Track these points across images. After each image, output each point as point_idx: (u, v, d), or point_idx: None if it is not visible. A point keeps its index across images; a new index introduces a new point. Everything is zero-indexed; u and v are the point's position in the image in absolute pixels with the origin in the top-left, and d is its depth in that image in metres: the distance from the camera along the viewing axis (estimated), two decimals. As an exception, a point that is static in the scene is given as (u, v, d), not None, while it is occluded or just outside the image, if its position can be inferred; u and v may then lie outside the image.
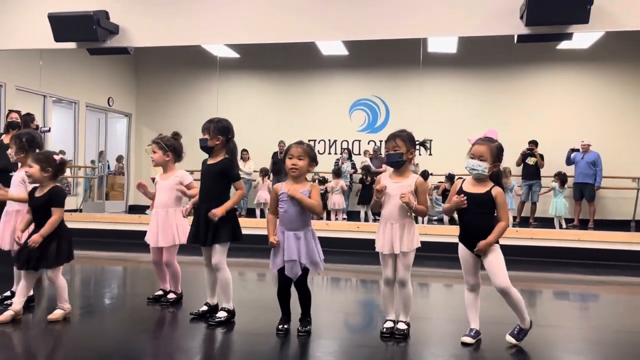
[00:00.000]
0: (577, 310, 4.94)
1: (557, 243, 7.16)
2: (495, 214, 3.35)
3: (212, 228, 3.72)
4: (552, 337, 3.69)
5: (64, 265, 3.79)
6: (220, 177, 3.80)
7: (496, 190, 3.32)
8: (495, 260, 3.29)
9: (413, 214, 3.45)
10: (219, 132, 3.79)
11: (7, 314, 3.63)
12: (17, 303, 3.70)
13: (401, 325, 3.50)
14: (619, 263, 6.45)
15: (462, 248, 3.43)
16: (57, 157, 3.77)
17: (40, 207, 3.69)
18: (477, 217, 3.32)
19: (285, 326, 3.53)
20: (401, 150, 3.44)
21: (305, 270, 3.46)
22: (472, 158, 3.33)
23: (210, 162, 3.87)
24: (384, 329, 3.52)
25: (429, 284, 6.05)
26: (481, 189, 3.34)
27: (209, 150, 3.85)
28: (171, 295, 4.33)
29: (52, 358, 3.25)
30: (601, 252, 6.87)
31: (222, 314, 3.76)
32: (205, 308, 3.95)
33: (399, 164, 3.48)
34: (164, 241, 4.18)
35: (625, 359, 3.26)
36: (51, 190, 3.71)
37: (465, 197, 3.32)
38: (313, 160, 3.51)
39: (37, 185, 3.78)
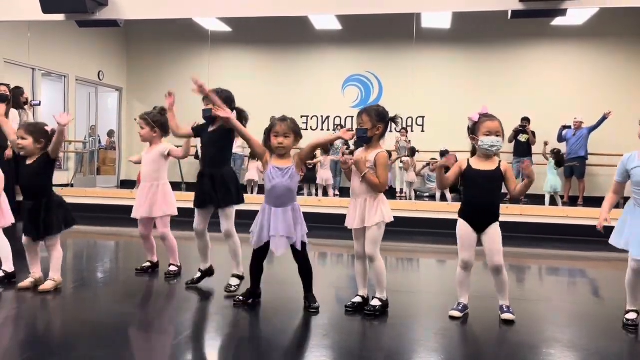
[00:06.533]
0: (564, 285, 5.03)
1: (547, 220, 7.24)
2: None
3: (220, 192, 3.81)
4: (538, 310, 3.76)
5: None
6: (221, 143, 3.87)
7: (505, 166, 3.39)
8: (496, 239, 3.34)
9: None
10: (223, 102, 3.79)
11: (27, 281, 3.86)
12: (34, 273, 3.91)
13: (374, 302, 3.49)
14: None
15: (462, 224, 3.42)
16: (48, 128, 3.83)
17: (33, 175, 3.75)
18: (486, 194, 3.36)
19: (244, 299, 3.57)
20: (366, 126, 3.43)
21: (303, 244, 3.46)
22: (487, 135, 3.32)
23: (211, 130, 3.93)
24: (349, 303, 3.55)
25: (419, 259, 6.13)
26: (491, 166, 3.36)
27: (213, 120, 3.89)
28: (172, 268, 4.37)
29: (47, 331, 3.27)
30: (589, 229, 6.92)
31: (235, 281, 3.87)
32: (199, 275, 4.07)
33: (364, 140, 3.48)
34: (157, 211, 4.23)
35: (604, 330, 3.34)
36: (42, 157, 3.79)
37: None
38: (298, 135, 3.50)
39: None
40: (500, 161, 3.41)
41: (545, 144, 10.25)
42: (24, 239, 3.86)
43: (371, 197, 3.43)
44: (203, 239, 4.04)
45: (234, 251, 3.93)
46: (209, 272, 4.11)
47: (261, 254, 3.52)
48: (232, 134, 3.86)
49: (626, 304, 3.42)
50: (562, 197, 10.20)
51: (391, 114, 3.54)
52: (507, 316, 3.37)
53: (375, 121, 3.44)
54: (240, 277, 3.91)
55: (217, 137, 3.88)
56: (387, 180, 3.45)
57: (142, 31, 12.92)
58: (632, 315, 3.35)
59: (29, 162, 3.79)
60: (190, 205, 4.03)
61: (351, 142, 11.36)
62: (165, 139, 4.39)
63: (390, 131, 3.59)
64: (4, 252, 4.06)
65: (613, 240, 3.44)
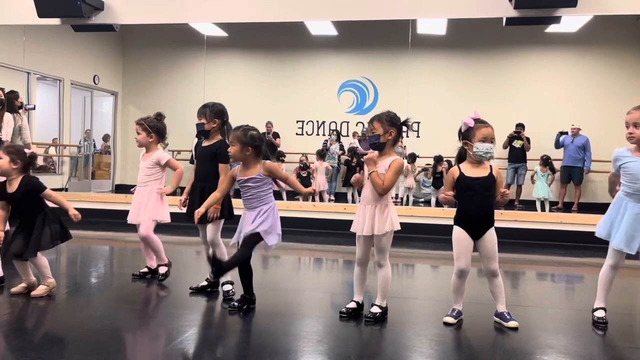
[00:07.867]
0: (559, 291, 5.03)
1: (541, 225, 7.26)
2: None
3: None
4: (532, 316, 3.76)
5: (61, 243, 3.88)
6: (215, 158, 3.89)
7: (496, 171, 3.40)
8: (493, 245, 3.36)
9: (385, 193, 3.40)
10: (215, 115, 3.92)
11: (20, 286, 3.83)
12: (26, 279, 3.85)
13: (374, 309, 3.47)
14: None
15: (459, 231, 3.40)
16: (27, 151, 3.80)
17: (20, 200, 3.69)
18: (482, 200, 3.35)
19: (239, 305, 3.59)
20: (378, 132, 3.41)
21: (254, 238, 3.46)
22: (482, 142, 3.31)
23: (205, 144, 3.99)
24: (344, 309, 3.53)
25: (414, 264, 6.12)
26: (484, 172, 3.36)
27: (206, 134, 3.96)
28: (162, 269, 4.35)
29: (39, 336, 3.25)
30: (583, 235, 6.97)
31: (228, 287, 3.91)
32: (205, 283, 4.08)
33: (377, 146, 3.44)
34: (144, 216, 4.23)
35: (599, 337, 3.34)
36: (24, 181, 3.70)
37: (453, 194, 3.39)
38: (246, 145, 3.49)
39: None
40: (491, 166, 3.40)
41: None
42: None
43: (382, 204, 3.40)
44: (217, 249, 4.04)
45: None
46: (215, 283, 4.10)
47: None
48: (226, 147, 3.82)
49: (595, 301, 3.52)
50: (555, 203, 10.23)
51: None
52: (513, 324, 3.34)
53: (387, 126, 3.41)
54: (231, 283, 3.94)
55: (210, 151, 3.92)
56: (391, 186, 3.38)
57: (138, 35, 12.92)
58: (600, 313, 3.46)
59: (9, 189, 3.70)
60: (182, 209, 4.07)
61: (346, 147, 11.40)
62: (160, 145, 4.39)
63: (408, 136, 3.62)
64: None
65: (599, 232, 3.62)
